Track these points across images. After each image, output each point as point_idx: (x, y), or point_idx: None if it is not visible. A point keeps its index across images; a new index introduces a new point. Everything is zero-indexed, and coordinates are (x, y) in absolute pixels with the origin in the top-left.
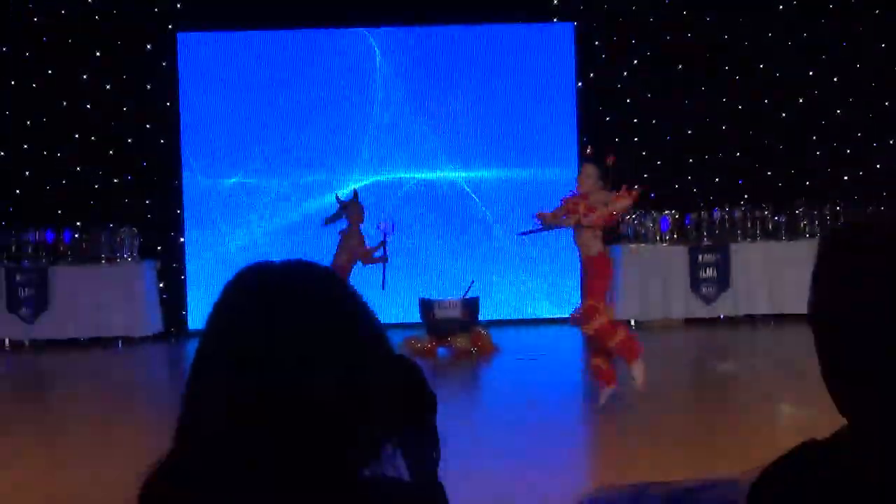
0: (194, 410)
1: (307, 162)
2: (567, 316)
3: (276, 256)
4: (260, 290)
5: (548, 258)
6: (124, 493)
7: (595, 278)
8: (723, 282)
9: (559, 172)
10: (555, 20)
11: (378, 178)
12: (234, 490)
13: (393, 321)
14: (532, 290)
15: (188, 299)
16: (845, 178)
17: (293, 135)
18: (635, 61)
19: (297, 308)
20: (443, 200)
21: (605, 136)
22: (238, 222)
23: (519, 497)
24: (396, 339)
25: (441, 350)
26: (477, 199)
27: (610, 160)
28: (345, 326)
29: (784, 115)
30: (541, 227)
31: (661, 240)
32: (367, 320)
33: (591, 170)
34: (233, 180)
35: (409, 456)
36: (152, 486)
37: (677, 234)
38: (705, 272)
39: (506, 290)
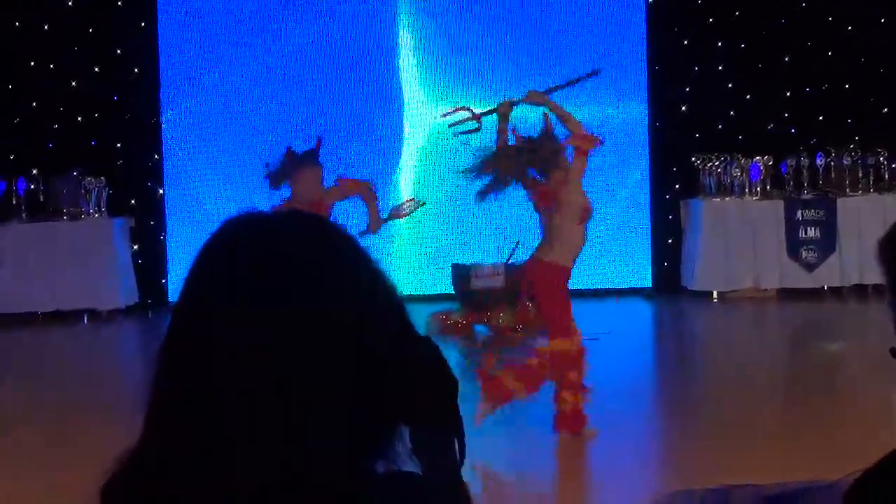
0: (168, 394)
1: (312, 101)
2: (639, 286)
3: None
4: (249, 246)
5: (614, 213)
6: (85, 499)
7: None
8: (828, 244)
9: (627, 109)
10: None
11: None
12: (216, 488)
13: (417, 292)
14: (595, 254)
15: (168, 264)
16: None
17: (297, 71)
18: None
19: (295, 268)
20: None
21: (678, 63)
22: (230, 172)
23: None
24: (421, 315)
25: (478, 328)
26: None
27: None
28: (355, 293)
29: None
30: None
31: (751, 192)
32: (384, 287)
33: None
34: (224, 119)
35: (426, 450)
36: (117, 484)
37: (771, 186)
38: (806, 232)
39: None
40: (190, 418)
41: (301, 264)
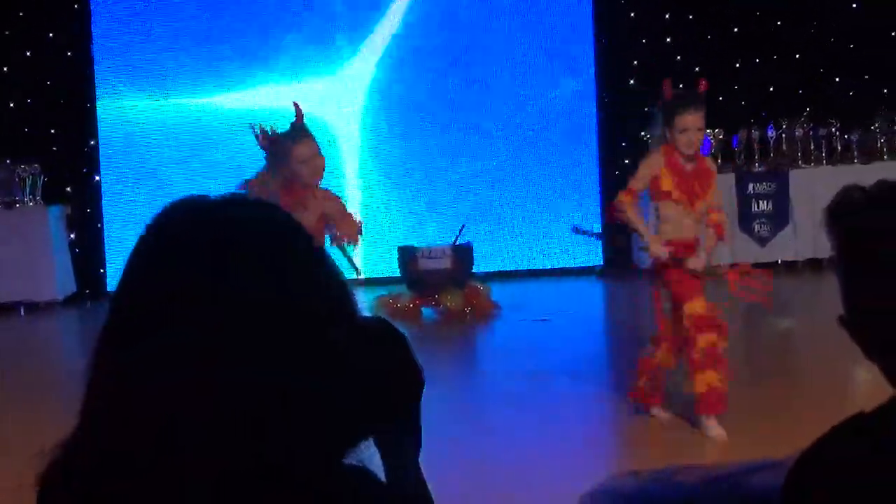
0: (107, 386)
1: (252, 80)
2: (587, 265)
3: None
4: (191, 231)
5: (564, 191)
6: (22, 488)
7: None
8: (780, 217)
9: (574, 83)
10: None
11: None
12: (172, 474)
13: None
14: (543, 234)
15: (106, 253)
16: None
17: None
18: None
19: (242, 255)
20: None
21: (623, 35)
22: (170, 156)
23: (519, 490)
24: (366, 299)
25: (426, 311)
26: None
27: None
28: (305, 281)
29: (854, 4)
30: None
31: None
32: (333, 274)
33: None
34: (162, 101)
35: (389, 447)
36: (56, 472)
37: (721, 159)
38: (758, 206)
39: (506, 236)
40: (135, 408)
41: (252, 250)
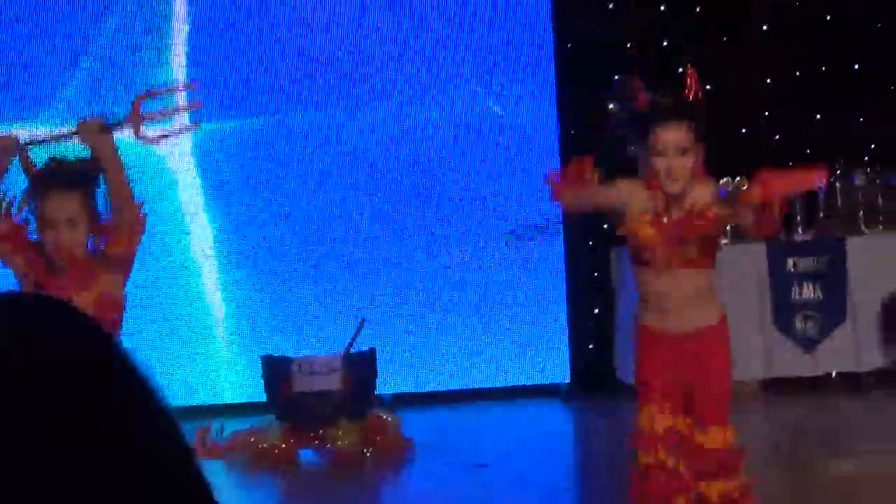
0: None
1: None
2: (548, 383)
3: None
4: None
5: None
6: None
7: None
8: (835, 309)
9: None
10: None
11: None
12: None
13: (212, 401)
14: (477, 335)
15: None
16: None
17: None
18: None
19: (21, 387)
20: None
21: (588, 56)
22: None
23: None
24: (220, 435)
25: (305, 453)
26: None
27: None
28: (112, 418)
29: None
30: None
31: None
32: (153, 407)
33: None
34: None
35: None
36: None
37: None
38: (801, 292)
39: (426, 339)
40: None
41: (33, 379)
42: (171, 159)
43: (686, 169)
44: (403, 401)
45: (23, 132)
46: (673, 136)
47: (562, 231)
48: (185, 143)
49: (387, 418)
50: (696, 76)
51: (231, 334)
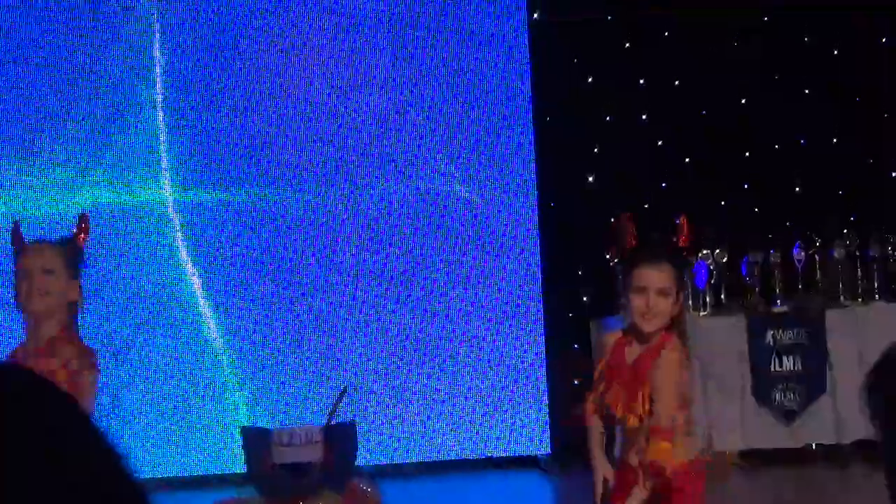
0: None
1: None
2: (527, 454)
3: None
4: None
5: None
6: None
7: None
8: (815, 381)
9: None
10: None
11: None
12: None
13: (189, 473)
14: (456, 407)
15: None
16: None
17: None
18: None
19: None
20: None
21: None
22: None
23: None
24: None
25: None
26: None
27: None
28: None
29: None
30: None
31: (696, 305)
32: (121, 482)
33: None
34: None
35: None
36: None
37: (726, 294)
38: (780, 363)
39: (407, 411)
40: None
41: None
42: (154, 235)
43: (663, 313)
44: (384, 472)
45: None
46: (655, 276)
47: None
48: (171, 216)
49: (367, 489)
50: (689, 224)
51: (208, 404)
